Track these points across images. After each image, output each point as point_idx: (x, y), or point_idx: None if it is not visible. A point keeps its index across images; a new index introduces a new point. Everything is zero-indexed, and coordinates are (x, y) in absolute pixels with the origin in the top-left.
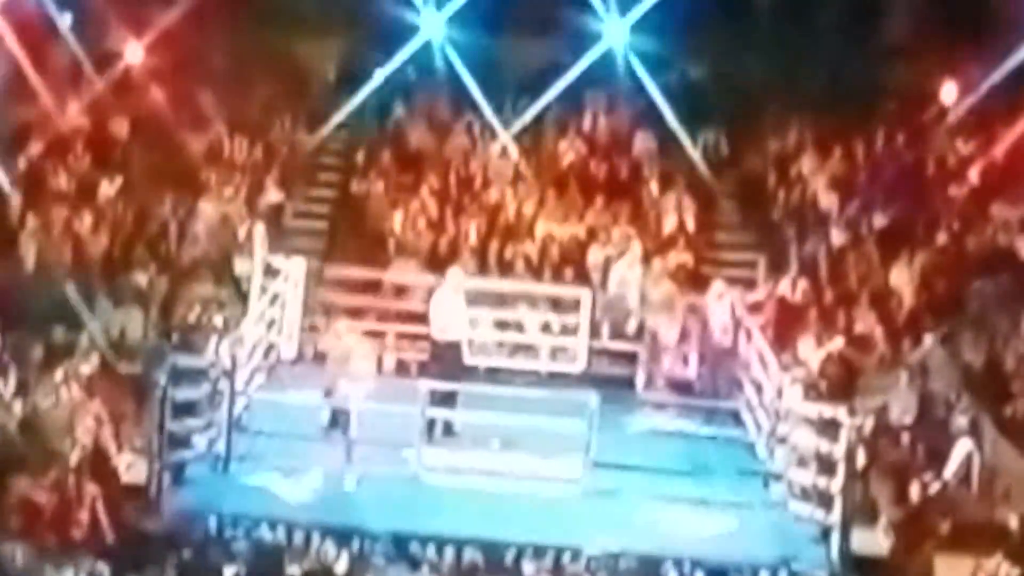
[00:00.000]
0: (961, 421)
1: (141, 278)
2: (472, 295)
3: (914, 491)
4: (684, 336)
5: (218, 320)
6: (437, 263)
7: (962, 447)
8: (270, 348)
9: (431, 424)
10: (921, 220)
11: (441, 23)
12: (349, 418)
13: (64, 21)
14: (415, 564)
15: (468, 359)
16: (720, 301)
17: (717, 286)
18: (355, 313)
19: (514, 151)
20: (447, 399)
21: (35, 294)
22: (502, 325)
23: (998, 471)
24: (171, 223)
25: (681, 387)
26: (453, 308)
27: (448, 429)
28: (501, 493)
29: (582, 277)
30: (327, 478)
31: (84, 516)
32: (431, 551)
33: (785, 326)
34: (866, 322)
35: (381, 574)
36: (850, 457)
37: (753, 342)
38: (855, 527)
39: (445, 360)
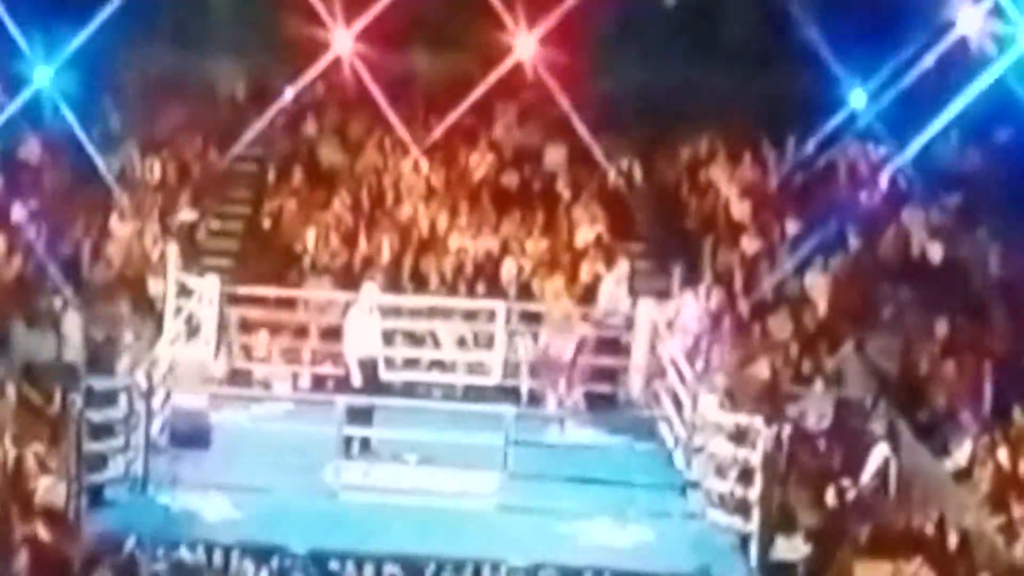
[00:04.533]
0: (877, 427)
1: (55, 300)
2: (387, 310)
3: (832, 497)
4: (600, 348)
5: (133, 341)
6: (351, 279)
7: (879, 453)
8: None
9: (348, 440)
10: (833, 227)
11: (350, 39)
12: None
13: None
14: None
15: (384, 375)
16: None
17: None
18: (270, 330)
19: (425, 166)
20: (364, 415)
21: None
22: (417, 340)
23: (915, 476)
24: (84, 245)
25: (597, 399)
26: (368, 324)
27: (365, 445)
28: (419, 508)
29: (497, 290)
30: (245, 497)
31: (4, 539)
32: (350, 568)
33: (701, 336)
34: (781, 330)
35: None
36: (768, 465)
37: (668, 352)
38: (773, 534)
39: (361, 376)
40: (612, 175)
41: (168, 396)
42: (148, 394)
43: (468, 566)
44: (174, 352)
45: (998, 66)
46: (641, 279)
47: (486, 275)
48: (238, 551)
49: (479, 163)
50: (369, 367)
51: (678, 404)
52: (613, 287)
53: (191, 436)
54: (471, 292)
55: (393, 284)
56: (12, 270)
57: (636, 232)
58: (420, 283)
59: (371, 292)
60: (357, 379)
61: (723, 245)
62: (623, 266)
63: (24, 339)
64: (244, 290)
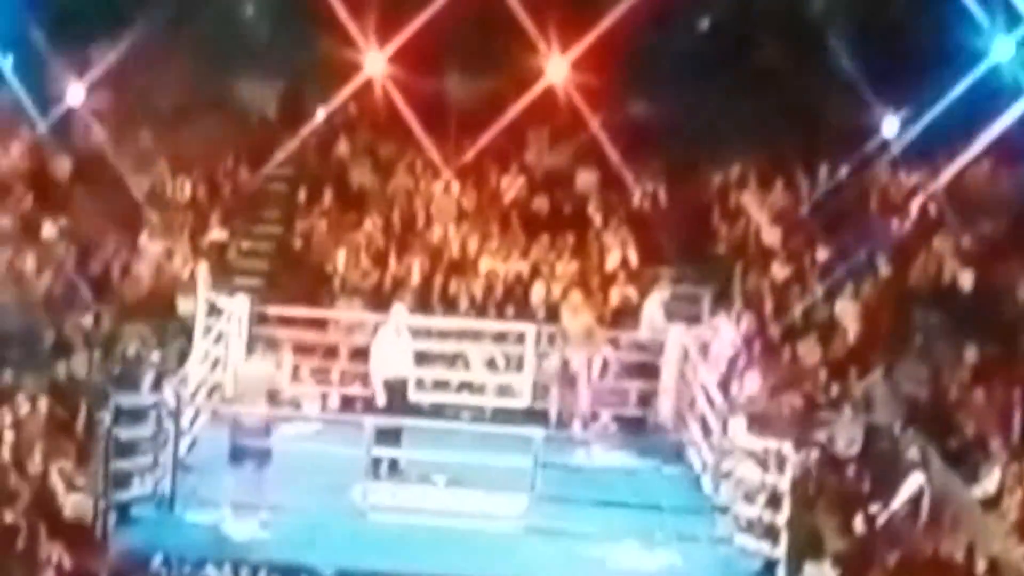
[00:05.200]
0: (913, 454)
1: (85, 318)
2: (417, 332)
3: (860, 523)
4: (628, 371)
5: (162, 360)
6: (381, 300)
7: (914, 480)
8: (214, 387)
9: (376, 461)
10: (864, 253)
11: (383, 61)
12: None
13: (6, 62)
14: None
15: (413, 396)
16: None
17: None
18: (300, 350)
19: (456, 188)
20: (392, 436)
21: None
22: (447, 362)
23: (945, 502)
24: (114, 263)
25: (626, 422)
26: (397, 345)
27: (393, 466)
28: (447, 530)
29: (526, 313)
30: (273, 516)
31: (32, 556)
32: None
33: (730, 360)
34: (811, 356)
35: None
36: (796, 490)
37: (698, 377)
38: (801, 560)
39: (390, 397)
40: (643, 200)
41: (196, 415)
42: (176, 412)
43: None
44: (237, 368)
45: None
46: (671, 304)
47: (516, 298)
48: (265, 570)
49: (510, 186)
50: (398, 388)
51: (707, 428)
52: (656, 310)
53: (252, 453)
54: (501, 315)
55: (423, 306)
56: (42, 287)
57: (666, 257)
58: (450, 305)
59: (400, 313)
60: (382, 399)
61: (753, 271)
62: (665, 290)
63: (53, 356)
64: (274, 310)
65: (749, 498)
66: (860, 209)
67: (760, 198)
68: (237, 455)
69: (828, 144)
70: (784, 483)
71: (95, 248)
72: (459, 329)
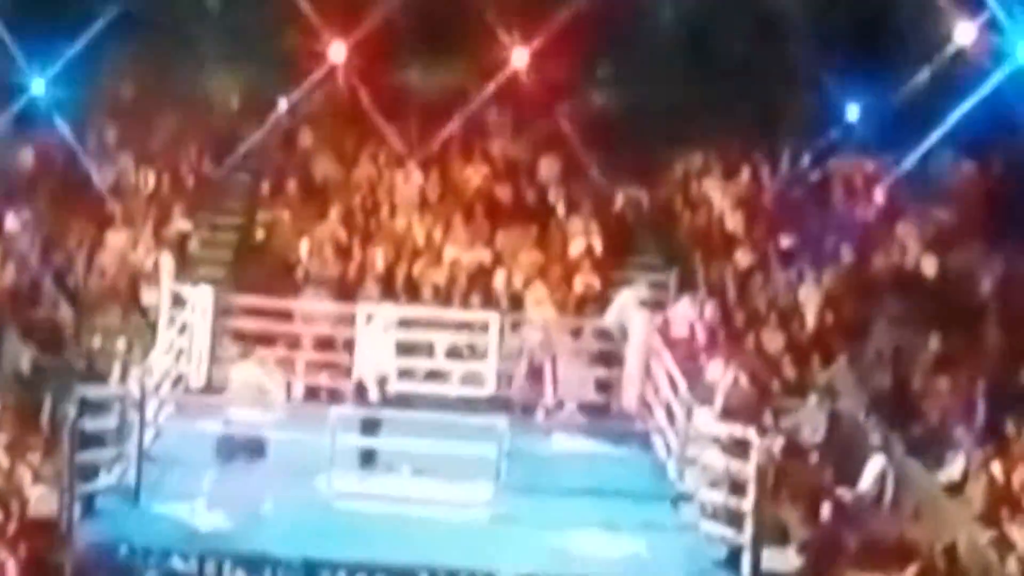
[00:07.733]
0: (874, 438)
1: (49, 310)
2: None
3: (824, 510)
4: (593, 359)
5: (126, 351)
6: (345, 291)
7: (876, 463)
8: (179, 378)
9: (347, 452)
10: (827, 241)
11: (345, 51)
12: (251, 446)
13: None
14: None
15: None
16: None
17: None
18: (264, 341)
19: (419, 178)
20: (370, 427)
21: None
22: (412, 350)
23: (907, 490)
24: (78, 255)
25: (590, 410)
26: (383, 343)
27: (368, 457)
28: (412, 518)
29: (490, 302)
30: (238, 506)
31: None
32: None
33: (694, 348)
34: (774, 343)
35: None
36: (761, 477)
37: (663, 364)
38: (766, 547)
39: (368, 393)
40: (607, 188)
41: (161, 406)
42: (141, 404)
43: None
44: (232, 368)
45: (993, 80)
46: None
47: (480, 286)
48: (231, 561)
49: (473, 175)
50: (379, 383)
51: (671, 416)
52: (630, 304)
53: (246, 450)
54: (465, 303)
55: (387, 295)
56: (6, 279)
57: (630, 245)
58: (414, 294)
59: (388, 312)
60: (374, 394)
61: (717, 258)
62: (642, 288)
63: (18, 349)
64: (238, 300)
65: (714, 485)
66: (823, 196)
67: (723, 186)
68: (227, 450)
69: (791, 131)
70: (748, 470)
71: (59, 240)
72: (423, 318)
